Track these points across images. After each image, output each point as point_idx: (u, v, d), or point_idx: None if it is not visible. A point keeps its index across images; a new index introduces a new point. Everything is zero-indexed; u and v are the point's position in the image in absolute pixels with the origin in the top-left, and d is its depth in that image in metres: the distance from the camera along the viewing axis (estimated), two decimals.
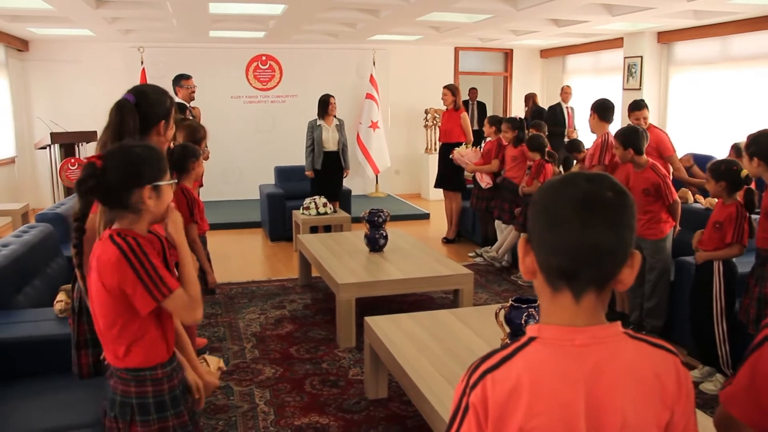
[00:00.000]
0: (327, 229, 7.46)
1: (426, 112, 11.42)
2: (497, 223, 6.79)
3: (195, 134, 4.32)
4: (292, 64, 10.99)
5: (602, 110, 5.43)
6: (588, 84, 10.98)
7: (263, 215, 8.58)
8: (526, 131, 6.86)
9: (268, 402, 3.89)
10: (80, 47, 10.21)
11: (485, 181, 7.05)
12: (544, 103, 11.14)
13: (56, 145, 8.15)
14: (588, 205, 1.10)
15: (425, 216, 9.70)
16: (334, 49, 11.01)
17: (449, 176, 7.81)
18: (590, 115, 5.51)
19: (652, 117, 8.84)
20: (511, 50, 12.20)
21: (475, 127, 10.82)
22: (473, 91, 11.93)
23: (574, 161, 7.08)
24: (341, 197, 8.07)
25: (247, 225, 9.01)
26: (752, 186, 3.95)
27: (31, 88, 10.22)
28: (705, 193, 5.30)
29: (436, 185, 8.11)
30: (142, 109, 2.48)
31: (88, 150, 8.27)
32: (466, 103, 11.01)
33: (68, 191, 7.80)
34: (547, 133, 6.82)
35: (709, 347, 4.04)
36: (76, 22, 7.97)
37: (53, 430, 2.65)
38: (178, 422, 2.05)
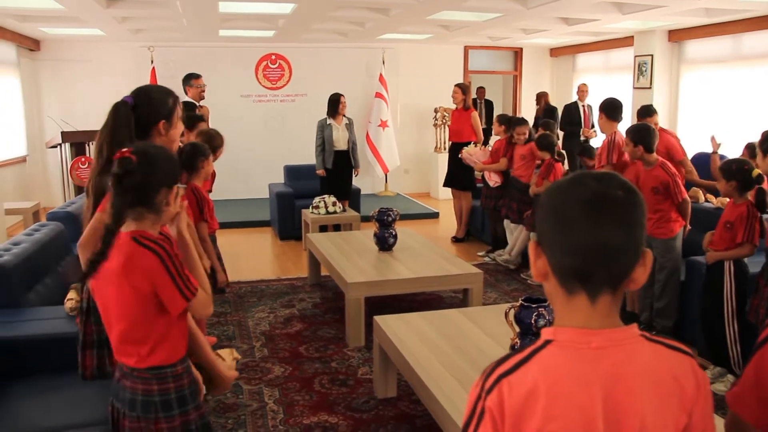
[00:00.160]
0: (336, 228, 7.47)
1: (435, 111, 11.40)
2: (506, 222, 6.77)
3: (212, 142, 4.34)
4: (301, 63, 11.00)
5: (610, 110, 5.41)
6: (598, 83, 10.92)
7: (272, 214, 8.59)
8: (535, 130, 6.84)
9: (277, 401, 3.89)
10: (91, 47, 10.26)
11: (494, 180, 7.03)
12: (554, 102, 11.09)
13: (67, 144, 8.18)
14: (598, 205, 1.09)
15: (434, 215, 9.70)
16: (343, 48, 11.01)
17: (459, 175, 7.79)
18: (599, 115, 5.50)
19: (662, 115, 8.82)
20: (521, 49, 12.16)
21: (483, 126, 10.79)
22: (481, 90, 11.91)
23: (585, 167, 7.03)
24: (350, 196, 8.07)
25: (256, 224, 9.02)
26: (764, 185, 3.92)
27: (42, 87, 10.28)
28: (717, 194, 5.26)
29: (446, 184, 8.09)
30: (141, 109, 2.48)
31: None
32: (473, 101, 10.97)
33: (79, 190, 7.83)
34: (558, 132, 6.78)
35: (720, 347, 4.02)
36: (86, 21, 8.01)
37: (61, 428, 2.66)
38: (197, 414, 2.09)
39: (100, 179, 2.44)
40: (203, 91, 6.93)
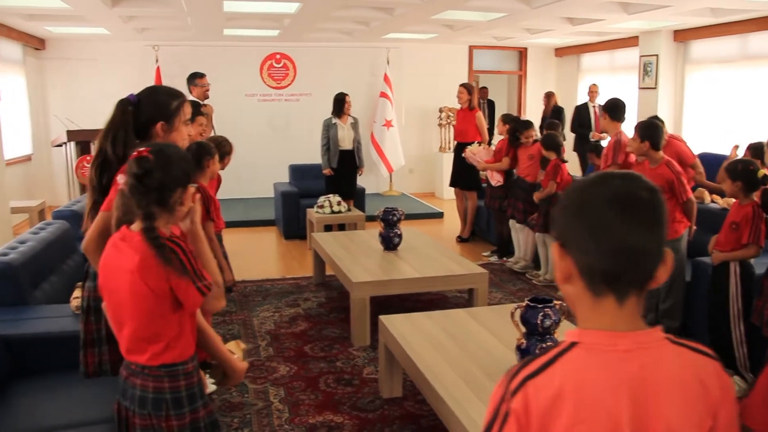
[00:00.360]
0: (341, 227, 7.46)
1: (440, 110, 11.39)
2: (512, 222, 6.76)
3: (221, 149, 4.36)
4: (306, 62, 11.01)
5: (613, 110, 5.40)
6: (603, 83, 10.90)
7: (277, 213, 8.60)
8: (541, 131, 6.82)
9: (282, 400, 3.89)
10: (96, 46, 10.28)
11: (495, 179, 7.02)
12: (559, 102, 11.05)
13: (72, 142, 8.20)
14: (627, 206, 1.09)
15: (439, 215, 9.69)
16: (348, 48, 11.02)
17: (464, 175, 7.78)
18: (602, 115, 5.49)
19: (667, 116, 8.82)
20: (525, 49, 12.15)
21: (487, 126, 10.76)
22: (484, 90, 11.89)
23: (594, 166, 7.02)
24: (355, 196, 8.07)
25: (261, 223, 9.03)
26: None
27: (47, 86, 10.30)
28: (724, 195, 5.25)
29: (451, 184, 8.09)
30: (143, 108, 2.49)
31: None
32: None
33: (83, 188, 7.85)
34: (563, 133, 6.75)
35: (726, 349, 4.01)
36: (92, 20, 8.03)
37: (68, 426, 2.67)
38: (206, 412, 2.10)
39: (92, 172, 2.46)
40: (207, 91, 6.93)
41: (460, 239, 8.00)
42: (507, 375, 1.15)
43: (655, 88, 9.33)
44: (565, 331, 1.18)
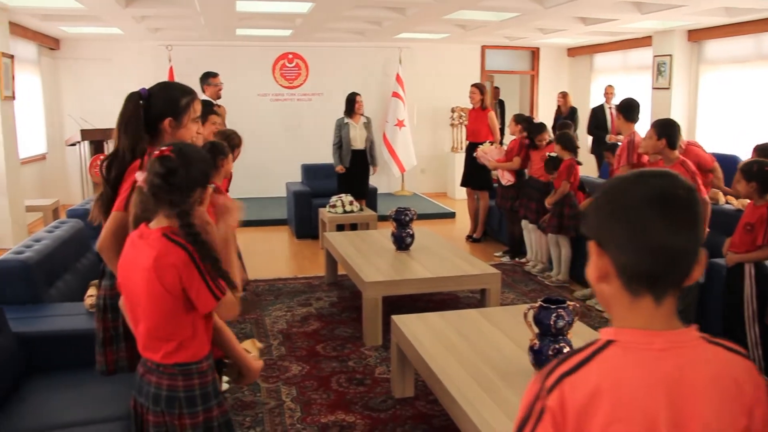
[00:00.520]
0: (353, 227, 7.47)
1: (452, 110, 11.38)
2: (524, 222, 6.74)
3: (230, 141, 4.37)
4: (318, 62, 11.03)
5: (627, 110, 5.37)
6: (616, 83, 10.84)
7: (289, 213, 8.62)
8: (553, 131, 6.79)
9: (294, 399, 3.90)
10: (109, 45, 10.34)
11: (506, 178, 7.01)
12: (572, 102, 11.00)
13: (86, 141, 8.26)
14: (666, 206, 1.08)
15: (451, 215, 9.68)
16: (360, 48, 11.02)
17: (475, 175, 7.77)
18: (616, 115, 5.46)
19: (681, 116, 8.77)
20: (538, 49, 12.12)
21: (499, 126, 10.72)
22: (495, 90, 11.86)
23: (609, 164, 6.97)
24: (368, 196, 8.07)
25: (273, 222, 9.05)
26: None
27: (61, 85, 10.37)
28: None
29: (462, 184, 8.08)
30: (153, 103, 2.50)
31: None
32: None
33: (97, 187, 7.89)
34: (575, 132, 6.72)
35: None
36: (105, 20, 8.07)
37: (83, 423, 2.68)
38: (219, 411, 2.10)
39: (102, 165, 2.48)
40: (220, 90, 6.95)
41: (471, 239, 7.98)
42: (541, 372, 1.14)
43: (668, 88, 9.28)
44: (600, 330, 1.17)
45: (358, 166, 7.79)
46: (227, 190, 4.32)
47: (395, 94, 10.91)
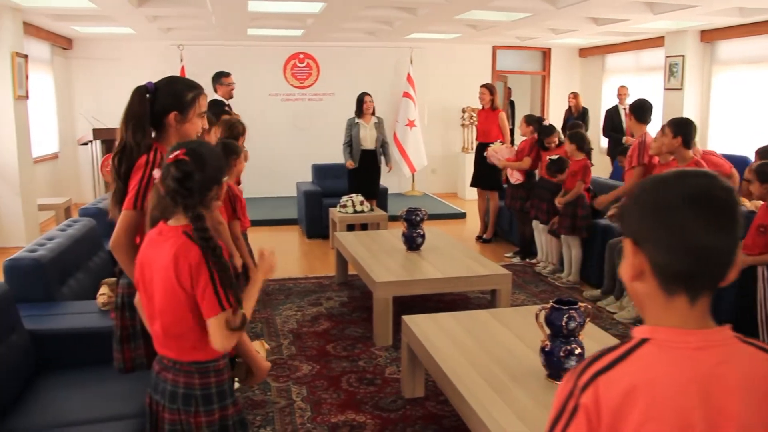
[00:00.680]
0: (363, 227, 7.47)
1: (463, 111, 11.36)
2: (535, 223, 6.73)
3: (233, 130, 4.37)
4: (329, 62, 11.04)
5: (639, 111, 5.35)
6: (628, 83, 10.81)
7: (300, 212, 8.63)
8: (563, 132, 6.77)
9: (304, 398, 3.91)
10: (121, 45, 10.39)
11: (515, 177, 7.00)
12: (584, 102, 10.96)
13: (98, 141, 8.29)
14: (706, 206, 1.08)
15: (461, 215, 9.67)
16: (371, 48, 11.03)
17: (486, 175, 7.76)
18: (627, 116, 5.44)
19: (693, 117, 8.70)
20: (549, 49, 12.08)
21: (510, 126, 10.69)
22: (507, 91, 11.84)
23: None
24: (378, 196, 8.07)
25: (284, 222, 9.07)
26: None
27: (74, 85, 10.43)
28: None
29: (472, 184, 8.07)
30: (159, 97, 2.50)
31: None
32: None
33: (109, 186, 7.93)
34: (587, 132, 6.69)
35: None
36: (118, 20, 8.11)
37: (95, 420, 2.70)
38: (234, 410, 2.11)
39: (113, 160, 2.50)
40: (233, 90, 6.97)
41: (482, 240, 7.97)
42: (574, 371, 1.14)
43: (681, 89, 9.23)
44: (633, 329, 1.17)
45: (368, 166, 7.80)
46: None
47: (406, 94, 10.91)
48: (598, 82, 11.92)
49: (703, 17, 7.76)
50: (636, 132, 5.37)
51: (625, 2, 6.79)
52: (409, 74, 10.92)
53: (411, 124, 10.85)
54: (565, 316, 2.91)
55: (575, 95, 10.54)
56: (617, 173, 7.76)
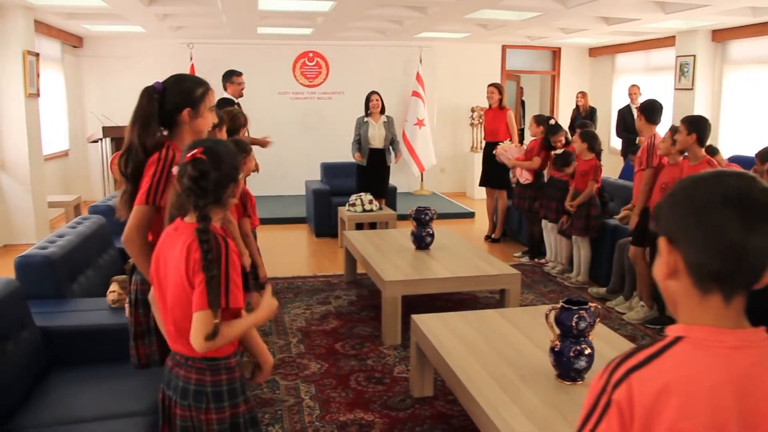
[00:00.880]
0: (372, 226, 7.47)
1: (472, 110, 11.35)
2: (544, 222, 6.71)
3: (235, 121, 4.37)
4: (338, 60, 11.04)
5: (650, 111, 5.32)
6: (638, 83, 10.77)
7: (309, 211, 8.63)
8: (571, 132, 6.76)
9: (313, 397, 3.91)
10: (131, 43, 10.42)
11: (524, 177, 6.98)
12: (593, 102, 10.92)
13: (107, 138, 8.32)
14: (743, 207, 1.07)
15: (470, 215, 9.66)
16: (380, 47, 11.02)
17: (494, 174, 7.75)
18: (637, 116, 5.41)
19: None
20: (559, 48, 12.05)
21: (521, 126, 10.69)
22: (520, 90, 11.81)
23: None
24: (387, 195, 8.07)
25: (292, 220, 9.07)
26: None
27: (84, 83, 10.47)
28: None
29: (481, 183, 8.06)
30: (169, 95, 2.52)
31: None
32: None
33: (118, 184, 7.95)
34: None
35: None
36: (128, 18, 8.14)
37: (107, 417, 2.70)
38: (246, 408, 2.11)
39: (120, 161, 2.51)
40: (243, 89, 6.98)
41: (490, 239, 7.96)
42: (606, 368, 1.14)
43: (691, 89, 9.18)
44: (667, 327, 1.16)
45: (376, 165, 7.80)
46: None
47: (415, 94, 10.90)
48: (608, 81, 11.88)
49: (715, 16, 7.72)
50: (645, 132, 5.34)
51: (635, 1, 6.76)
52: (418, 73, 10.91)
53: (420, 123, 10.84)
54: (575, 316, 2.90)
55: (583, 95, 10.51)
56: (627, 173, 7.72)
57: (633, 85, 9.71)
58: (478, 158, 9.89)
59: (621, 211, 5.96)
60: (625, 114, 9.57)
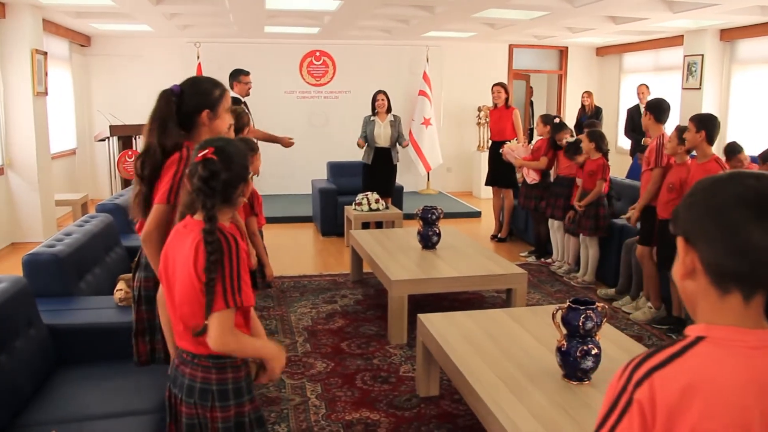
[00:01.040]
0: (378, 225, 7.47)
1: (479, 109, 11.33)
2: (551, 222, 6.70)
3: (239, 121, 4.38)
4: (345, 60, 11.04)
5: (657, 110, 5.30)
6: (646, 83, 10.72)
7: (315, 210, 8.64)
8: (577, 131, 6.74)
9: (319, 396, 3.91)
10: (139, 42, 10.44)
11: (531, 177, 6.97)
12: (600, 102, 10.88)
13: (115, 137, 8.34)
14: (762, 207, 1.07)
15: (477, 214, 9.65)
16: (387, 46, 11.02)
17: (500, 173, 7.74)
18: (645, 115, 5.39)
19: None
20: (566, 48, 12.02)
21: (530, 126, 10.66)
22: (529, 90, 11.78)
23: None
24: (393, 194, 8.07)
25: (299, 219, 9.08)
26: None
27: (91, 81, 10.50)
28: None
29: (487, 183, 8.05)
30: (187, 98, 2.54)
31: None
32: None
33: (125, 183, 7.99)
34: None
35: None
36: (136, 17, 8.16)
37: (114, 415, 2.71)
38: (251, 407, 2.10)
39: (137, 163, 2.52)
40: (250, 88, 6.99)
41: (497, 239, 7.95)
42: (627, 367, 1.13)
43: (699, 88, 9.14)
44: (687, 327, 1.16)
45: (382, 164, 7.80)
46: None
47: (422, 93, 10.90)
48: (615, 81, 11.84)
49: (723, 16, 7.69)
50: (653, 131, 5.32)
51: (643, 1, 6.74)
52: (425, 72, 10.91)
53: (427, 122, 10.83)
54: (582, 316, 2.89)
55: (589, 94, 10.48)
56: (635, 172, 7.70)
57: (642, 85, 9.63)
58: (485, 157, 9.88)
59: (628, 211, 5.95)
60: (633, 114, 9.48)
